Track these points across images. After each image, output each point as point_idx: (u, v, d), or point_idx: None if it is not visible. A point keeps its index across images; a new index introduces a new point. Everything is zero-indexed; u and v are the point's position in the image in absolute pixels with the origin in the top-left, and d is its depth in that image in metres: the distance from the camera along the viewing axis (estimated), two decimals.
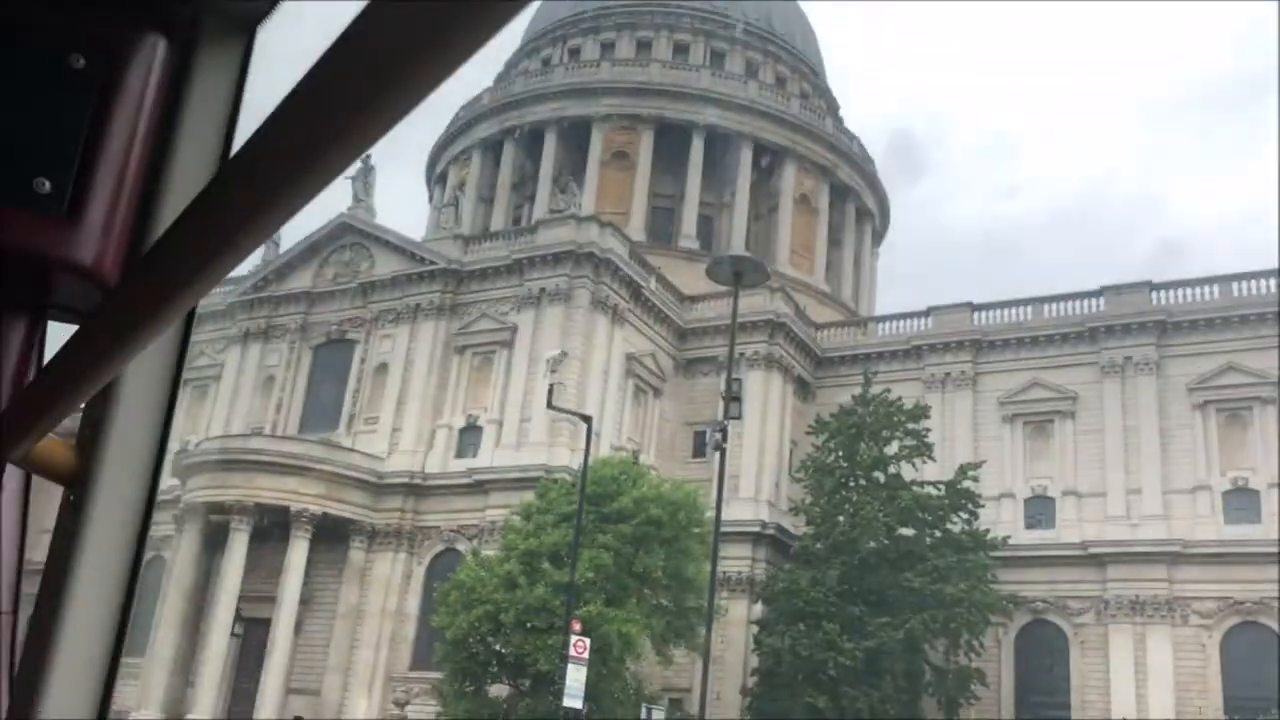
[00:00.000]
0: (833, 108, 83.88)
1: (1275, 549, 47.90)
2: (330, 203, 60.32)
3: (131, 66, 1.68)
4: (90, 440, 1.87)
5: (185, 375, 1.98)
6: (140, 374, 1.86)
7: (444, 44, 0.93)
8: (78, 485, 1.87)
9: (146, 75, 1.69)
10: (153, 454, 1.92)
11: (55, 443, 1.86)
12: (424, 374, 55.98)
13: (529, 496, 43.86)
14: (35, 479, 2.06)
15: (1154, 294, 55.38)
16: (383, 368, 57.77)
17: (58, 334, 1.83)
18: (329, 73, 1.02)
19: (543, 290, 54.51)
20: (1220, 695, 47.73)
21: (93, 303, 1.64)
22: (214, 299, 62.07)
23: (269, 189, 1.08)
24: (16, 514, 2.14)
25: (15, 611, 2.16)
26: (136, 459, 1.89)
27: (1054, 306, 57.84)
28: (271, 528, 51.93)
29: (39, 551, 1.88)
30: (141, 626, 52.39)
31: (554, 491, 41.92)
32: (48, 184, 1.54)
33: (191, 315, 1.97)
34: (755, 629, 49.68)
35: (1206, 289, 54.59)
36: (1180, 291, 55.21)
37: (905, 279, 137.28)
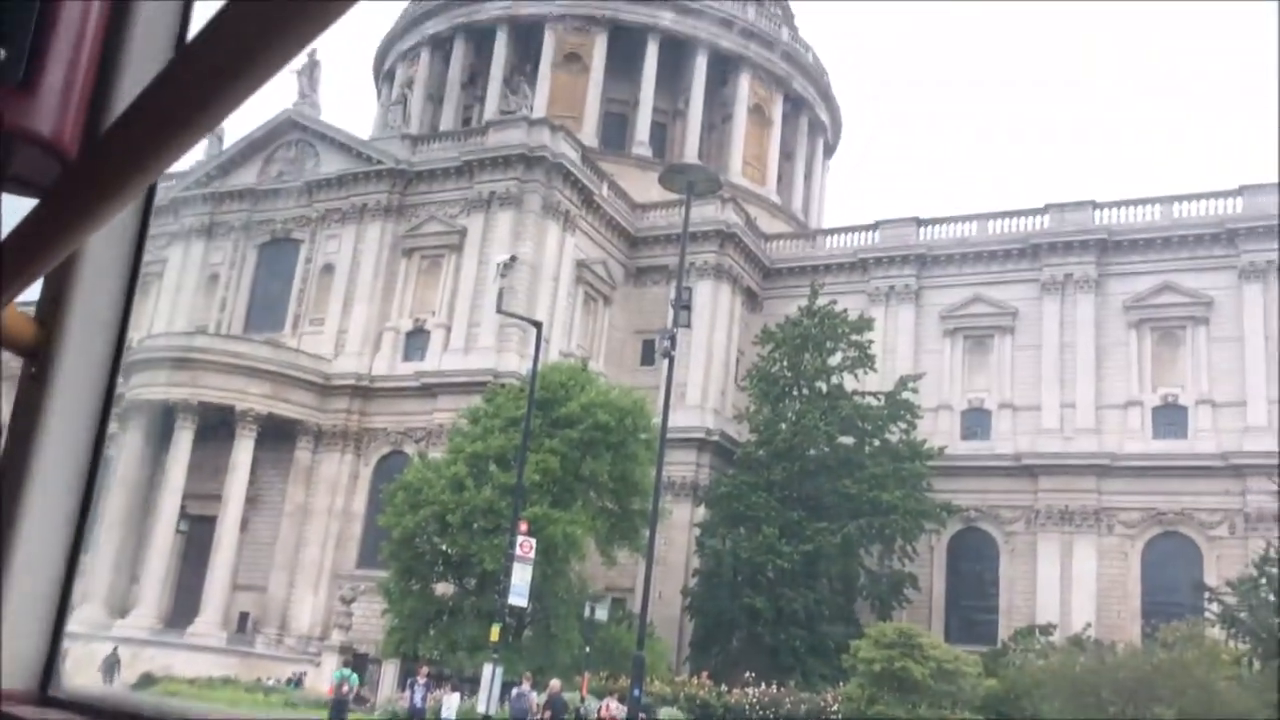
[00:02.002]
0: (789, 17, 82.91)
1: (1199, 463, 49.78)
2: (275, 98, 58.96)
3: None
4: (51, 313, 1.87)
5: None
6: (102, 247, 1.87)
7: None
8: (39, 357, 1.88)
9: None
10: (116, 327, 1.93)
11: (17, 314, 1.83)
12: (370, 275, 55.54)
13: (476, 400, 44.10)
14: None
15: (1096, 212, 56.19)
16: (329, 268, 57.19)
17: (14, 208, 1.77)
18: None
19: (493, 193, 54.02)
20: (1139, 601, 49.83)
21: (51, 175, 1.59)
22: (156, 194, 60.70)
23: (228, 72, 1.14)
24: None
25: None
26: (99, 331, 1.90)
27: (998, 223, 58.51)
28: (217, 426, 51.78)
29: None
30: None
31: (502, 396, 42.19)
32: (3, 52, 1.47)
33: (152, 191, 2.02)
34: (697, 531, 50.80)
35: (1147, 209, 55.49)
36: (1122, 210, 56.07)
37: (857, 187, 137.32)
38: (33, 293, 1.85)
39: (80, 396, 1.92)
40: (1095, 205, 56.26)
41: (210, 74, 1.15)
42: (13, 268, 1.62)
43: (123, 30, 1.71)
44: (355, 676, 38.16)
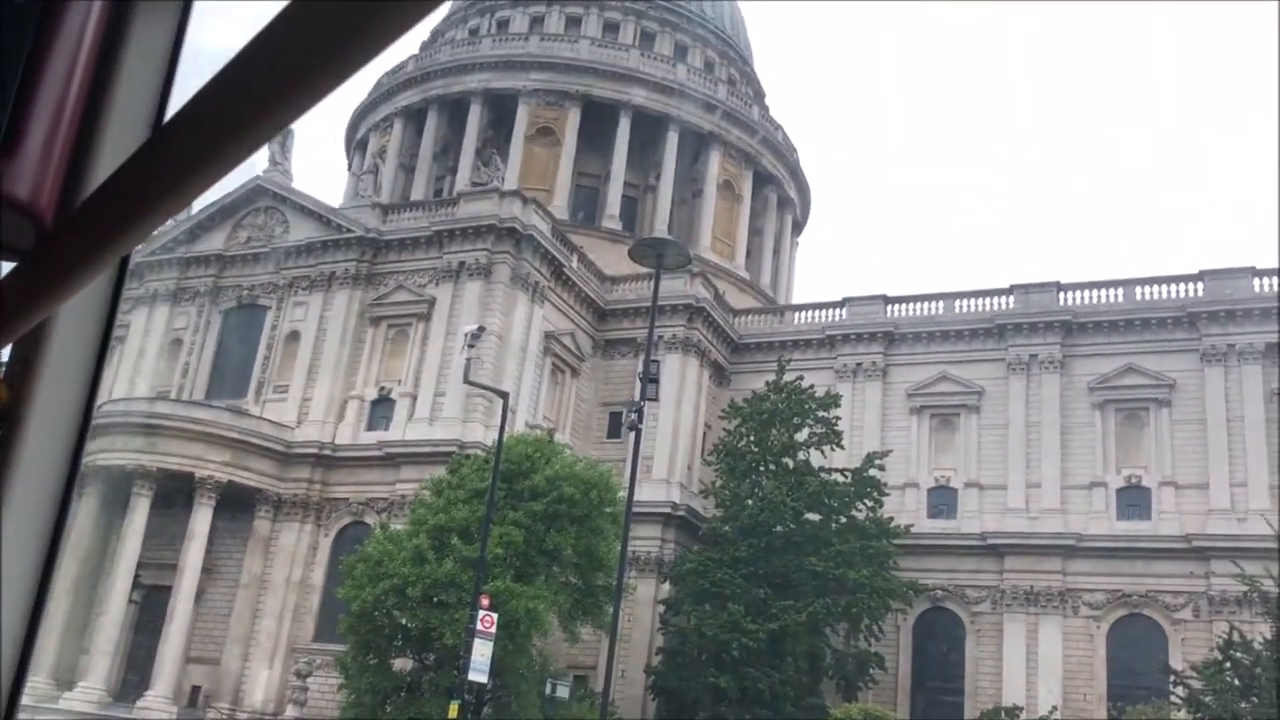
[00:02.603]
0: (759, 95, 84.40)
1: (1164, 544, 49.91)
2: (247, 164, 59.02)
3: (71, 8, 1.67)
4: (21, 376, 1.86)
5: None
6: (74, 313, 1.86)
7: (380, 19, 0.98)
8: (7, 420, 1.86)
9: (85, 17, 1.68)
10: (84, 393, 1.92)
11: None
12: (337, 343, 55.19)
13: (441, 471, 43.59)
14: None
15: (1061, 294, 56.95)
16: (294, 335, 56.80)
17: None
18: (266, 46, 1.06)
19: (462, 264, 54.06)
20: (1105, 683, 49.55)
21: (27, 240, 1.63)
22: (129, 262, 60.38)
23: (206, 151, 1.13)
24: None
25: None
26: (67, 397, 1.89)
27: (965, 302, 59.17)
28: (175, 494, 50.88)
29: None
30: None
31: (466, 467, 41.74)
32: None
33: (126, 260, 1.98)
34: (662, 609, 50.20)
35: (1111, 291, 56.31)
36: (1086, 293, 56.87)
37: (825, 264, 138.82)
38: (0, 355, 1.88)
39: (47, 461, 1.89)
40: (1060, 287, 57.05)
41: (188, 152, 1.16)
42: None
43: (103, 100, 1.71)
44: None
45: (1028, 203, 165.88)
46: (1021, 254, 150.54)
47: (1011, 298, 57.60)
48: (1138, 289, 55.68)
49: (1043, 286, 57.10)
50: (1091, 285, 56.99)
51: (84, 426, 1.95)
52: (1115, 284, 56.41)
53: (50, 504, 1.91)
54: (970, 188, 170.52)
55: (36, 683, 47.82)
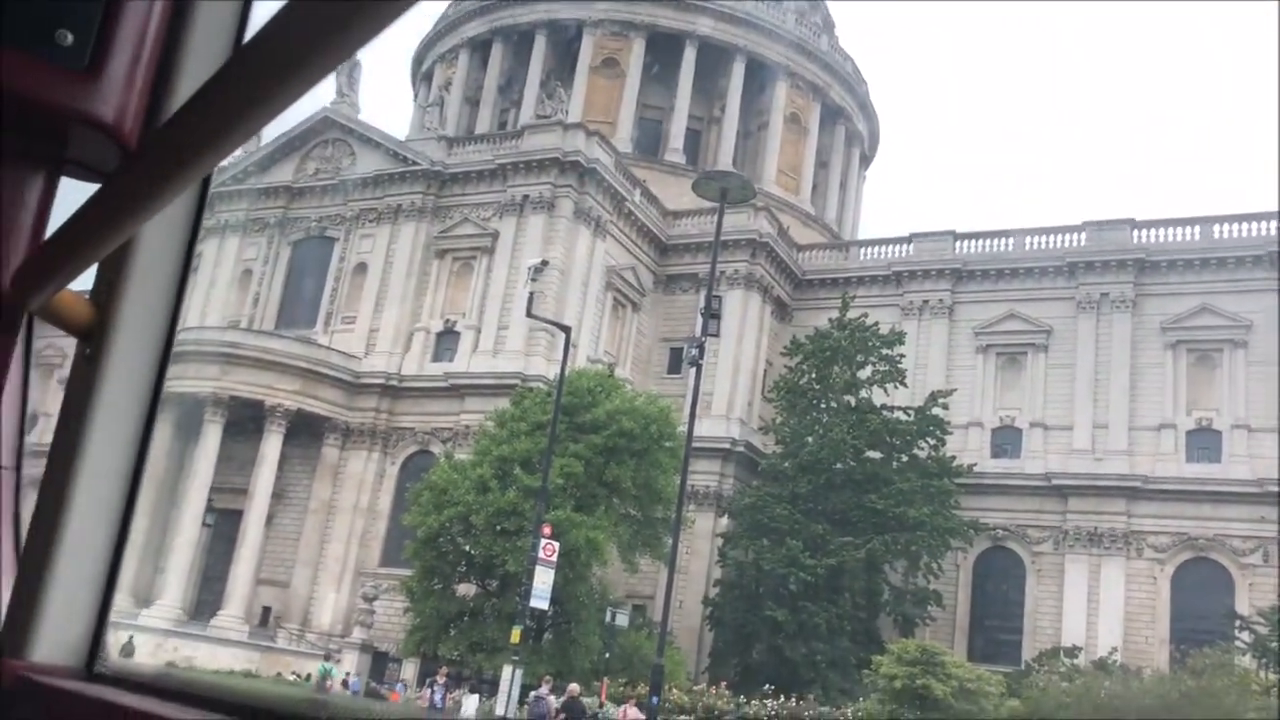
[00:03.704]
0: (829, 25, 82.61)
1: (1233, 489, 49.02)
2: (314, 96, 59.36)
3: None
4: (106, 296, 1.92)
5: None
6: (157, 233, 1.92)
7: None
8: (94, 339, 1.93)
9: None
10: (168, 313, 1.98)
11: (73, 296, 1.91)
12: (403, 275, 55.78)
13: (504, 403, 44.15)
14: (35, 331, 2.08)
15: (1135, 232, 55.51)
16: (361, 267, 57.49)
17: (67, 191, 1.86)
18: None
19: (526, 197, 54.12)
20: (1168, 627, 49.11)
21: (112, 162, 1.67)
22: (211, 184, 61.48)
23: (286, 70, 1.16)
24: (22, 364, 2.16)
25: (18, 467, 2.20)
26: (152, 316, 1.96)
27: (1035, 239, 57.95)
28: (246, 421, 52.12)
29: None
30: None
31: (529, 399, 42.22)
32: (70, 37, 1.55)
33: (207, 181, 2.04)
34: (720, 542, 50.58)
35: (1187, 229, 54.77)
36: (1161, 230, 55.37)
37: (893, 198, 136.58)
38: (87, 277, 1.91)
39: (132, 379, 1.96)
40: (1134, 224, 55.57)
41: (268, 71, 1.18)
42: (72, 250, 1.69)
43: (184, 25, 1.75)
44: (334, 670, 41.58)
45: (1103, 137, 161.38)
46: (1095, 190, 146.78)
47: (1083, 235, 56.27)
48: (1215, 227, 54.08)
49: (1116, 224, 55.67)
50: (1167, 223, 55.44)
51: (168, 345, 2.00)
52: (1191, 221, 54.83)
53: (137, 419, 1.96)
54: (1044, 122, 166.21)
55: (117, 599, 49.61)
